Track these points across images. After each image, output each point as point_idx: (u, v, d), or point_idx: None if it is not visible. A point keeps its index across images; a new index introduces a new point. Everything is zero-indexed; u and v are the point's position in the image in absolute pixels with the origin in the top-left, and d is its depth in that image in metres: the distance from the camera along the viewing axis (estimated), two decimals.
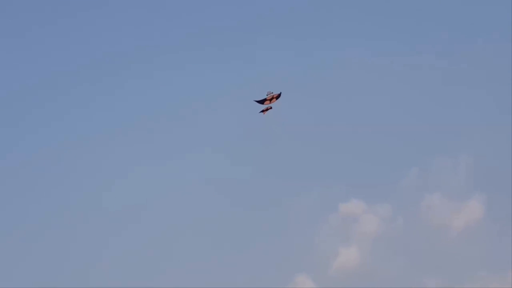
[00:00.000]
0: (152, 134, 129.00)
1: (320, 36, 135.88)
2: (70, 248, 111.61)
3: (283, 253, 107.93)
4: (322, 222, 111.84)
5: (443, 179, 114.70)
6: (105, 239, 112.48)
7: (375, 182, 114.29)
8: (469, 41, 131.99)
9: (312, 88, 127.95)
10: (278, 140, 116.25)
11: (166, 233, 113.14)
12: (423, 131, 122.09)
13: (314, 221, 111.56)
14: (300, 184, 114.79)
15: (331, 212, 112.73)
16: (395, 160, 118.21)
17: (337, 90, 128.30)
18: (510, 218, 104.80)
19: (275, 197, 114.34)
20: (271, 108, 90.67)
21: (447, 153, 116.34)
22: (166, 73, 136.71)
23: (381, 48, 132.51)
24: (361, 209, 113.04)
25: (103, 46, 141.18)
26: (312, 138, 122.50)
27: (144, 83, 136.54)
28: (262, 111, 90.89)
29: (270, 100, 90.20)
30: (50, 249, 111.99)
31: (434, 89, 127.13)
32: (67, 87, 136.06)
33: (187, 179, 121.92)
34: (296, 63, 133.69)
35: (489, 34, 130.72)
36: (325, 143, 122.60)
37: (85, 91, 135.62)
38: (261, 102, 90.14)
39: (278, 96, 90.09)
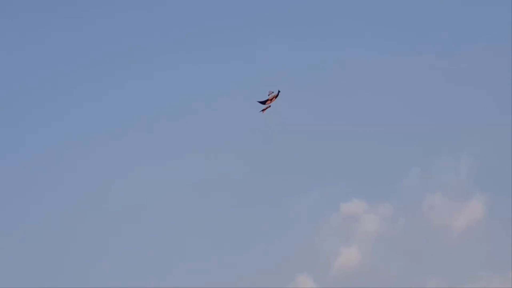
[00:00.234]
0: (152, 134, 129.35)
1: (320, 36, 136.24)
2: (70, 248, 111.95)
3: (284, 253, 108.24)
4: (323, 222, 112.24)
5: (444, 179, 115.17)
6: (105, 239, 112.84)
7: (376, 182, 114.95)
8: (469, 41, 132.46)
9: (312, 88, 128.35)
10: (279, 140, 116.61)
11: (166, 233, 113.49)
12: (424, 131, 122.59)
13: (315, 221, 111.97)
14: (301, 184, 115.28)
15: (332, 212, 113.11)
16: (396, 160, 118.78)
17: (337, 90, 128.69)
18: (511, 218, 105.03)
19: (275, 197, 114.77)
20: (269, 107, 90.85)
21: (448, 153, 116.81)
22: (166, 73, 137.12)
23: (381, 48, 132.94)
24: (362, 209, 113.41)
25: (103, 46, 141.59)
26: (313, 138, 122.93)
27: (144, 83, 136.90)
28: (262, 110, 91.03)
29: (271, 100, 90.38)
30: (50, 249, 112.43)
31: (434, 89, 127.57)
32: (67, 87, 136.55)
33: (187, 179, 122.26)
34: (296, 63, 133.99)
35: (489, 34, 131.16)
36: (326, 143, 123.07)
37: (85, 91, 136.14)
38: (263, 102, 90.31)
39: (277, 95, 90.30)
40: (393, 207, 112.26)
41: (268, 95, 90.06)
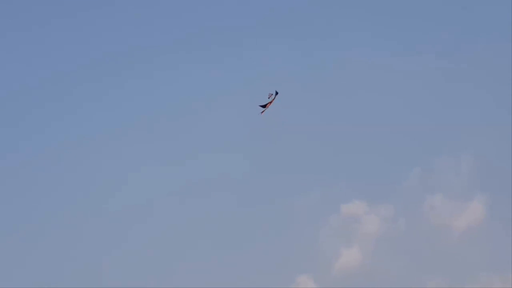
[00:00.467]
0: (152, 134, 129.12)
1: (320, 36, 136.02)
2: (70, 248, 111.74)
3: (284, 254, 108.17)
4: (323, 223, 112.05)
5: (445, 179, 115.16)
6: (105, 239, 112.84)
7: (377, 182, 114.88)
8: (469, 41, 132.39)
9: (312, 88, 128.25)
10: (279, 140, 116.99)
11: (166, 233, 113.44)
12: (425, 131, 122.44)
13: (316, 222, 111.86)
14: (301, 185, 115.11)
15: (333, 213, 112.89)
16: (397, 160, 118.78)
17: (337, 90, 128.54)
18: None
19: (275, 198, 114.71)
20: (267, 107, 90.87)
21: (449, 153, 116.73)
22: (166, 73, 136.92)
23: (381, 48, 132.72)
24: (362, 209, 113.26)
25: (103, 46, 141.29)
26: (313, 139, 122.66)
27: (144, 83, 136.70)
28: (261, 112, 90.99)
29: (271, 102, 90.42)
30: (50, 249, 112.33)
31: (434, 89, 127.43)
32: (67, 87, 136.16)
33: (187, 179, 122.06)
34: (296, 63, 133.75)
35: (489, 34, 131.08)
36: (326, 143, 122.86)
37: (85, 91, 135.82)
38: (264, 105, 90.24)
39: (275, 96, 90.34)
40: (394, 208, 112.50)
41: (268, 97, 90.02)
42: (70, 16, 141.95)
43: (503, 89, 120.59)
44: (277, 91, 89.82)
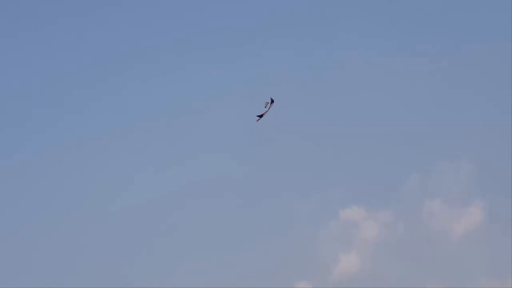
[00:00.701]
0: (152, 134, 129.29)
1: (320, 36, 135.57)
2: (69, 248, 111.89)
3: (283, 259, 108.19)
4: (322, 229, 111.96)
5: (444, 184, 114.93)
6: (105, 239, 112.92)
7: (376, 188, 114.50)
8: (469, 41, 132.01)
9: (312, 89, 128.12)
10: (279, 141, 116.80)
11: (166, 233, 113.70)
12: (424, 134, 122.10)
13: (314, 227, 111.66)
14: (300, 190, 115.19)
15: (332, 219, 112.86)
16: (395, 165, 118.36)
17: (337, 90, 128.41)
18: (511, 223, 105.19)
19: (274, 204, 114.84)
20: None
21: (448, 158, 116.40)
22: (166, 73, 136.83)
23: (381, 48, 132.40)
24: (361, 215, 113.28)
25: (103, 46, 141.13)
26: (312, 139, 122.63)
27: (144, 83, 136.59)
28: (257, 120, 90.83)
29: (268, 110, 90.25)
30: (50, 249, 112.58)
31: (434, 90, 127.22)
32: (67, 87, 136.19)
33: (187, 179, 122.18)
34: (296, 63, 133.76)
35: (489, 34, 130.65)
36: (325, 144, 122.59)
37: (86, 91, 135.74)
38: (261, 115, 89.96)
39: (271, 103, 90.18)
40: (393, 213, 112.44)
41: (265, 106, 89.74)
42: (70, 16, 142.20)
43: (503, 91, 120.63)
44: (273, 98, 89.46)
